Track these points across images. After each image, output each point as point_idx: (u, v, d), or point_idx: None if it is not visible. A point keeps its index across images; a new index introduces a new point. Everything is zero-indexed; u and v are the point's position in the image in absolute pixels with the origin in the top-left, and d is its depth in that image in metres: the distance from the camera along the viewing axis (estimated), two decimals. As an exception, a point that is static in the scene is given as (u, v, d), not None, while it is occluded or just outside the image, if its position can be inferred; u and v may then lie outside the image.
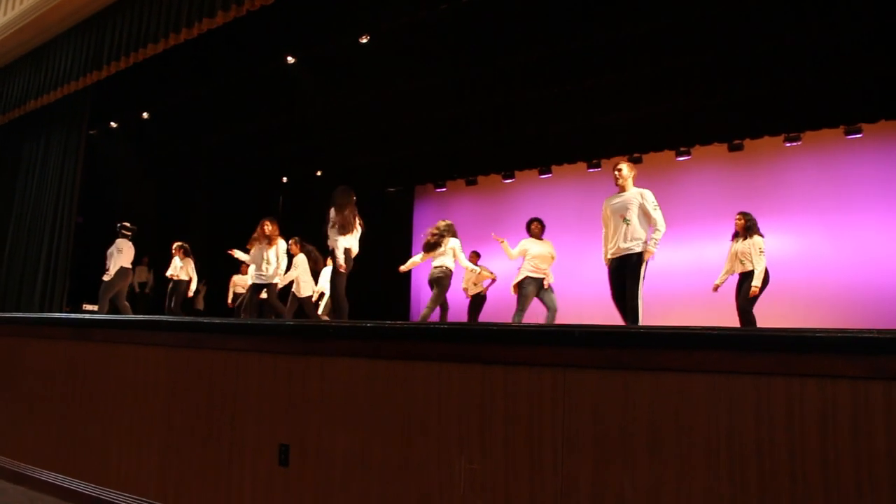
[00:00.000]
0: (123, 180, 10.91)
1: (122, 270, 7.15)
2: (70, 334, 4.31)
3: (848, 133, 8.49)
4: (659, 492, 2.05)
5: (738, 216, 6.25)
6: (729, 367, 1.99)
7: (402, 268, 6.80)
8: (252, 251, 6.65)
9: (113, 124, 9.86)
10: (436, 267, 6.14)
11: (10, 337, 4.92)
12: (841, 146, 8.67)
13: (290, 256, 7.16)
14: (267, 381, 3.12)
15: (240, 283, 10.08)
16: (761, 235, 6.11)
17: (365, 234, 5.73)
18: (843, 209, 8.57)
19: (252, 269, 6.74)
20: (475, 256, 8.93)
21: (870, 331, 1.82)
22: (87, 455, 3.94)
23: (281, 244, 6.45)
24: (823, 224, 8.69)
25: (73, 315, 5.08)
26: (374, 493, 2.65)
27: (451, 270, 6.14)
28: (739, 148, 9.25)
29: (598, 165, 10.22)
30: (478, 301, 8.55)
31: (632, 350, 2.16)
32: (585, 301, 8.74)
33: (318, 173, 12.49)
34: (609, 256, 4.92)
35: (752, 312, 5.95)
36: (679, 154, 9.57)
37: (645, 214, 4.78)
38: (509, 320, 6.08)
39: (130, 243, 7.33)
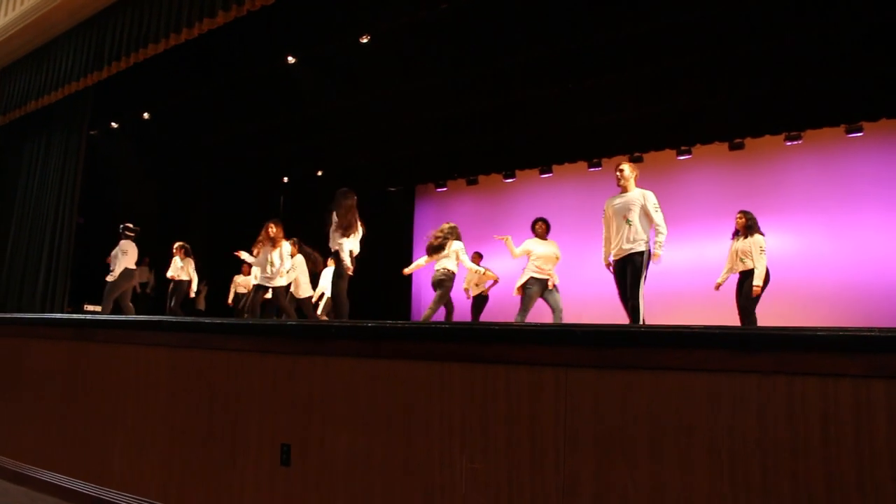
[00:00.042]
0: (124, 180, 10.91)
1: (126, 271, 7.16)
2: (71, 334, 4.31)
3: (849, 132, 8.48)
4: (661, 491, 2.05)
5: (738, 215, 6.25)
6: (730, 366, 1.99)
7: (406, 270, 6.81)
8: (257, 253, 6.66)
9: (114, 124, 9.87)
10: (438, 269, 6.14)
11: (12, 337, 4.92)
12: (842, 145, 8.67)
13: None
14: (268, 380, 3.12)
15: (241, 283, 10.10)
16: (762, 234, 6.11)
17: (365, 234, 5.73)
18: (844, 208, 8.56)
19: (256, 269, 6.74)
20: (478, 257, 8.93)
21: (871, 329, 1.82)
22: (89, 455, 3.94)
23: (285, 246, 6.46)
24: (824, 223, 8.69)
25: (74, 315, 5.08)
26: (375, 492, 2.65)
27: (453, 273, 6.16)
28: (740, 147, 9.24)
29: (598, 165, 10.22)
30: (480, 301, 8.56)
31: (633, 349, 2.16)
32: (586, 300, 8.74)
33: (319, 173, 12.50)
34: (613, 258, 4.93)
35: (754, 312, 5.94)
36: (680, 153, 9.57)
37: (646, 215, 4.79)
38: (511, 320, 6.07)
39: (134, 244, 7.34)
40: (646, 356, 2.13)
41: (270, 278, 6.39)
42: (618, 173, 5.00)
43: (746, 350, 1.98)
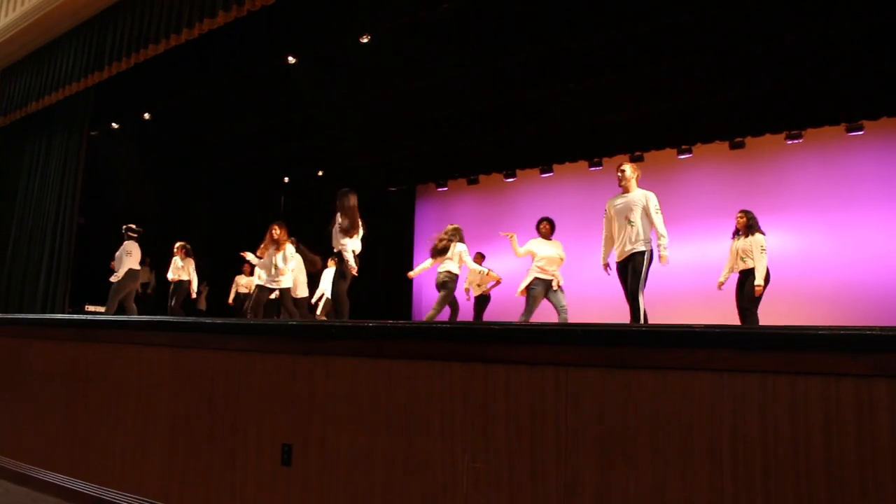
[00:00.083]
0: (125, 181, 10.92)
1: (131, 272, 7.17)
2: (72, 335, 4.32)
3: (849, 130, 8.47)
4: (662, 490, 2.04)
5: (739, 214, 6.24)
6: (732, 365, 1.99)
7: (412, 274, 6.80)
8: (261, 255, 6.66)
9: (114, 125, 9.87)
10: (441, 271, 6.17)
11: (13, 338, 4.93)
12: (842, 143, 8.66)
13: None
14: (269, 381, 3.12)
15: (243, 282, 10.13)
16: (763, 233, 6.10)
17: (366, 234, 5.73)
18: (845, 206, 8.55)
19: (259, 270, 6.73)
20: (480, 258, 8.93)
21: (873, 328, 1.82)
22: (90, 455, 3.94)
23: (289, 248, 6.44)
24: (825, 221, 8.68)
25: (75, 316, 5.09)
26: (376, 492, 2.65)
27: (456, 275, 6.22)
28: (741, 146, 9.24)
29: (599, 164, 10.22)
30: (482, 301, 8.56)
31: (634, 349, 2.16)
32: (587, 300, 8.74)
33: (320, 173, 12.49)
34: (616, 259, 4.93)
35: (755, 311, 5.93)
36: (681, 152, 9.57)
37: (648, 217, 4.79)
38: (513, 320, 6.07)
39: (137, 245, 7.34)
40: (647, 356, 2.13)
41: (275, 280, 6.39)
42: (619, 174, 5.00)
43: (748, 349, 1.97)
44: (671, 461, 2.04)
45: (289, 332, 3.13)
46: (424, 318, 7.30)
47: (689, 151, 9.51)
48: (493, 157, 10.75)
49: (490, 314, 8.67)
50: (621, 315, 4.91)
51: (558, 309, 6.14)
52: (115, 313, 7.18)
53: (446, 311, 6.59)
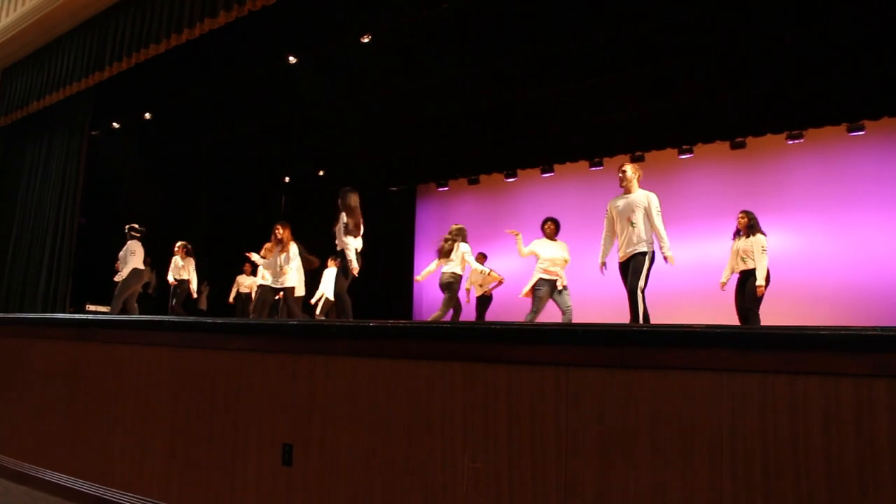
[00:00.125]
0: (126, 180, 10.93)
1: (135, 271, 7.16)
2: (73, 335, 4.32)
3: (850, 130, 8.46)
4: (662, 490, 2.04)
5: (740, 214, 6.24)
6: (732, 365, 1.99)
7: (419, 277, 6.78)
8: (264, 255, 6.66)
9: (115, 125, 9.87)
10: (445, 272, 6.20)
11: (14, 337, 4.93)
12: (843, 143, 8.65)
13: None
14: (270, 380, 3.13)
15: (244, 282, 10.15)
16: (764, 234, 6.10)
17: (366, 234, 5.74)
18: (846, 206, 8.55)
19: (263, 270, 6.71)
20: (482, 258, 8.93)
21: (873, 328, 1.82)
22: (91, 455, 3.95)
23: (293, 248, 6.43)
24: (826, 221, 8.68)
25: (76, 315, 5.09)
26: (377, 492, 2.65)
27: (460, 275, 6.27)
28: (742, 146, 9.23)
29: (600, 164, 10.22)
30: (484, 302, 8.56)
31: (634, 349, 2.16)
32: (588, 300, 8.74)
33: (321, 173, 12.49)
34: (619, 259, 4.94)
35: (757, 312, 5.93)
36: (681, 152, 9.56)
37: (649, 218, 4.79)
38: (515, 320, 6.07)
39: (141, 244, 7.35)
40: (647, 356, 2.13)
41: (280, 280, 6.39)
42: (620, 174, 5.00)
43: (748, 349, 1.97)
44: (671, 461, 2.04)
45: (289, 331, 3.14)
46: (429, 318, 7.30)
47: (690, 151, 9.51)
48: (494, 156, 10.74)
49: (492, 314, 8.67)
50: (622, 315, 4.91)
51: (563, 310, 6.15)
52: (119, 313, 7.18)
53: (450, 311, 6.59)
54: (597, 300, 8.47)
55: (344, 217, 5.47)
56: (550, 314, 6.48)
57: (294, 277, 6.45)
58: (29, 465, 4.34)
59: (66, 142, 7.18)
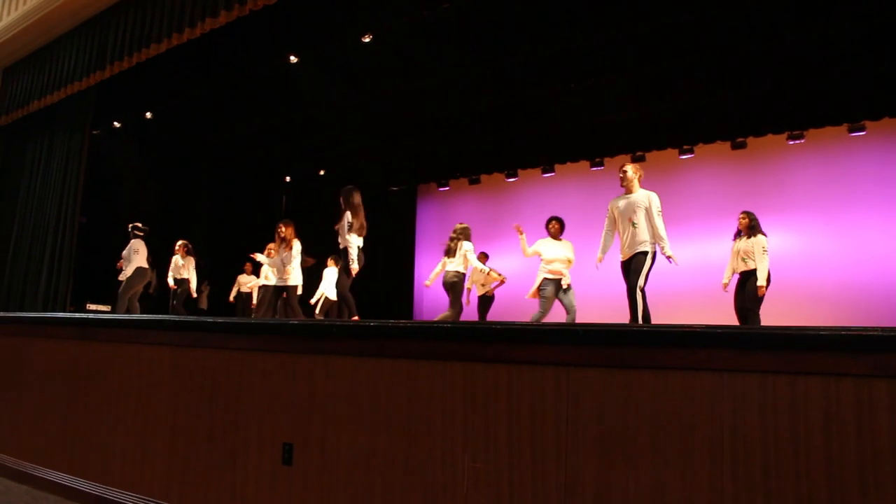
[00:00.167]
0: (126, 180, 10.94)
1: (139, 270, 7.17)
2: (74, 334, 4.32)
3: (851, 130, 8.46)
4: (662, 490, 2.04)
5: (741, 215, 6.24)
6: (732, 365, 1.99)
7: (428, 282, 6.69)
8: (268, 255, 6.67)
9: (116, 124, 9.88)
10: (449, 271, 6.21)
11: (15, 337, 4.93)
12: (844, 144, 8.65)
13: None
14: (270, 380, 3.13)
15: (244, 282, 10.17)
16: (764, 234, 6.10)
17: (367, 233, 5.76)
18: (847, 207, 8.54)
19: (266, 270, 6.72)
20: (484, 257, 8.94)
21: (874, 329, 1.82)
22: (91, 454, 3.95)
23: (296, 245, 6.42)
24: (827, 222, 8.67)
25: (76, 315, 5.09)
26: (377, 491, 2.65)
27: (464, 274, 6.30)
28: (742, 146, 9.23)
29: (601, 164, 10.22)
30: (486, 301, 8.56)
31: (634, 349, 2.16)
32: (588, 300, 8.73)
33: (321, 172, 12.50)
34: (621, 259, 4.95)
35: (758, 312, 5.93)
36: (682, 152, 9.55)
37: (650, 217, 4.80)
38: (517, 320, 6.07)
39: (144, 243, 7.35)
40: (647, 356, 2.13)
41: (283, 277, 6.40)
42: (621, 174, 5.01)
43: (748, 350, 1.97)
44: (671, 461, 2.04)
45: (290, 331, 3.14)
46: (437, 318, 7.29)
47: (691, 151, 9.50)
48: (495, 156, 10.74)
49: (494, 314, 8.67)
50: (622, 315, 4.92)
51: (568, 309, 6.15)
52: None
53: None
54: (597, 300, 8.47)
55: (349, 216, 5.47)
56: (555, 314, 6.48)
57: (298, 276, 6.45)
58: (29, 465, 4.34)
59: (67, 141, 7.18)
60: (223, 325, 3.46)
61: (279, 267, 6.42)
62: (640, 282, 4.67)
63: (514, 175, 11.37)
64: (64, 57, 6.76)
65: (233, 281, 10.39)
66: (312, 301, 8.63)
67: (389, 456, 2.65)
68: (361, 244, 5.58)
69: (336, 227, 5.59)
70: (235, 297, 10.30)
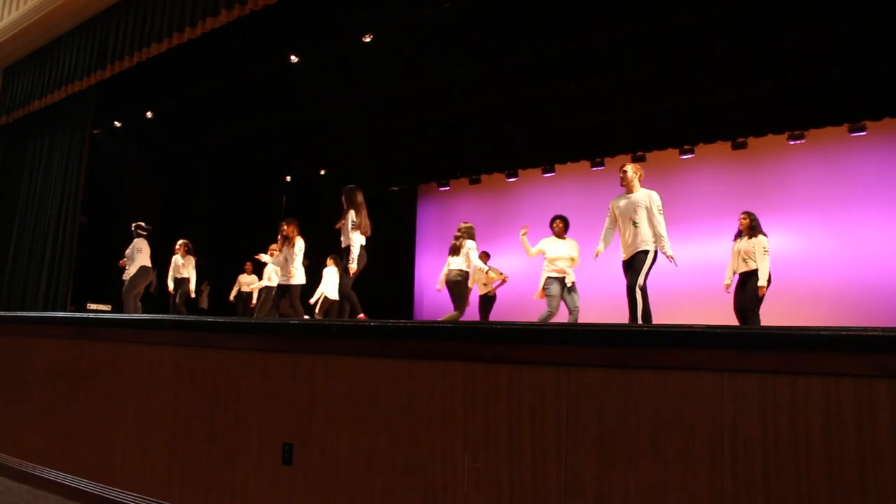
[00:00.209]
0: (127, 179, 10.93)
1: (143, 269, 7.17)
2: (74, 333, 4.32)
3: (852, 131, 8.46)
4: (662, 490, 2.04)
5: (742, 215, 6.23)
6: (732, 365, 1.99)
7: (439, 286, 6.64)
8: (272, 254, 6.67)
9: (117, 124, 9.88)
10: (452, 270, 6.20)
11: (15, 336, 4.94)
12: (845, 144, 8.64)
13: None
14: (271, 380, 3.13)
15: (245, 281, 10.16)
16: (765, 235, 6.09)
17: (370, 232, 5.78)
18: (847, 207, 8.54)
19: (270, 270, 6.72)
20: (485, 256, 8.93)
21: (874, 329, 1.82)
22: (92, 454, 3.95)
23: (298, 243, 6.41)
24: (827, 222, 8.67)
25: (77, 314, 5.10)
26: (377, 491, 2.65)
27: (467, 273, 6.28)
28: (743, 146, 9.23)
29: (601, 164, 10.22)
30: (487, 301, 8.56)
31: (634, 349, 2.16)
32: (589, 300, 8.71)
33: (322, 172, 12.50)
34: (622, 258, 4.95)
35: (758, 313, 5.92)
36: (683, 152, 9.56)
37: (650, 216, 4.80)
38: (519, 320, 6.05)
39: (147, 242, 7.35)
40: (647, 356, 2.13)
41: (286, 276, 6.40)
42: (621, 174, 5.01)
43: (748, 350, 1.97)
44: (671, 461, 2.04)
45: (290, 331, 3.14)
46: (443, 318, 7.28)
47: (692, 152, 9.50)
48: (495, 156, 10.74)
49: (496, 314, 8.67)
50: (623, 315, 4.92)
51: (571, 309, 6.14)
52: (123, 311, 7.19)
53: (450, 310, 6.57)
54: (598, 300, 8.47)
55: (353, 215, 5.48)
56: (558, 315, 6.48)
57: (301, 275, 6.46)
58: (30, 464, 4.34)
59: (68, 140, 7.19)
60: (223, 324, 3.47)
61: (282, 265, 6.42)
62: (640, 280, 4.67)
63: (515, 175, 11.37)
64: (64, 56, 6.76)
65: (233, 281, 10.39)
66: (312, 301, 8.63)
67: (390, 456, 2.65)
68: (364, 243, 5.58)
69: (338, 225, 5.59)
70: (236, 297, 10.31)
